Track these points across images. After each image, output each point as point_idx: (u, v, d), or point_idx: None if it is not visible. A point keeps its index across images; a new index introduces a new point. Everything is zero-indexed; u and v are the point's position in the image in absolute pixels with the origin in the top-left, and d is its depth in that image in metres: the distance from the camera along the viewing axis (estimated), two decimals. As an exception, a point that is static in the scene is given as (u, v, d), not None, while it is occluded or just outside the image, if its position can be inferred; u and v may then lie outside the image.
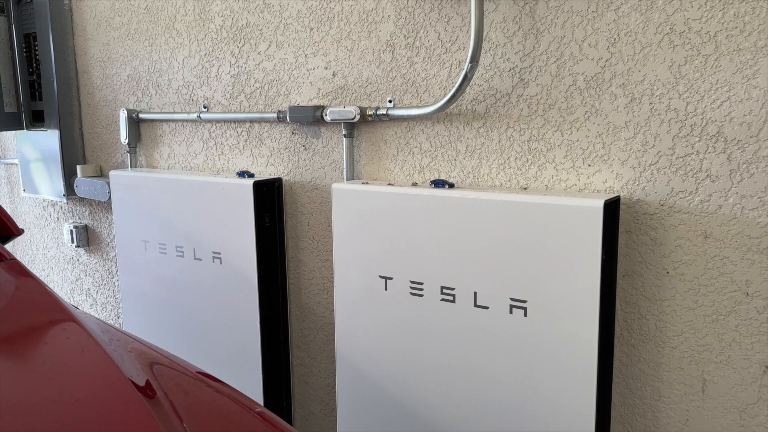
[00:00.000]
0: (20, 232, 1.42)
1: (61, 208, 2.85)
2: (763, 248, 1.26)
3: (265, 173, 2.04)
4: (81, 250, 2.79)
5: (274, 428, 0.85)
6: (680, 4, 1.28)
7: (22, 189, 2.84)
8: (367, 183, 1.70)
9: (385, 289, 1.64)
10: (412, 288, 1.59)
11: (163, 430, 0.73)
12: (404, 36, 1.66)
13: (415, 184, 1.65)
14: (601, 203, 1.28)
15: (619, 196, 1.38)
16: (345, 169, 1.82)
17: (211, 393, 0.91)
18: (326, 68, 1.83)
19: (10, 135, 3.03)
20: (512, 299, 1.43)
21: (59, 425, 0.74)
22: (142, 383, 0.83)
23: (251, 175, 1.96)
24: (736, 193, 1.27)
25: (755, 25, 1.21)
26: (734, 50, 1.24)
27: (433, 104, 1.59)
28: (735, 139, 1.26)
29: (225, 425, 0.83)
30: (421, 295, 1.58)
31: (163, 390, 0.82)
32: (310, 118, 1.83)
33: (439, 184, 1.57)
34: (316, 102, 1.87)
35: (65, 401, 0.79)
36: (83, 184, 2.52)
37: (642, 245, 1.39)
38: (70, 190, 2.60)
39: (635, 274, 1.41)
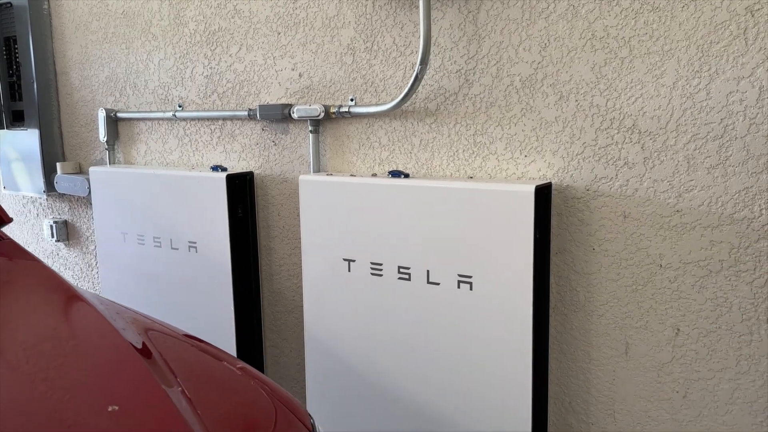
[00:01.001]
0: (10, 219, 1.54)
1: (41, 204, 2.96)
2: (673, 225, 1.45)
3: (237, 167, 2.19)
4: (61, 245, 2.91)
5: (254, 378, 1.01)
6: (600, 13, 1.47)
7: (2, 186, 2.94)
8: (331, 175, 1.86)
9: (349, 270, 1.81)
10: (372, 269, 1.76)
11: (160, 384, 0.87)
12: (363, 40, 1.83)
13: (374, 175, 1.82)
14: (532, 188, 1.46)
15: (550, 182, 1.56)
16: (311, 163, 1.97)
17: (198, 351, 1.06)
18: (293, 69, 1.99)
19: (-11, 135, 3.12)
20: (460, 275, 1.60)
21: (72, 383, 0.88)
22: (139, 345, 0.98)
23: (224, 169, 2.11)
24: (650, 177, 1.46)
25: (662, 32, 1.40)
26: (645, 53, 1.43)
27: (390, 102, 1.76)
28: (647, 130, 1.45)
29: (212, 378, 0.99)
30: (381, 275, 1.74)
31: (158, 350, 0.97)
32: (279, 115, 1.98)
33: (396, 174, 1.74)
34: (284, 101, 2.03)
35: (77, 365, 0.93)
36: (63, 180, 2.64)
37: (571, 225, 1.58)
38: (50, 186, 2.72)
39: (566, 251, 1.60)
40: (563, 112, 1.54)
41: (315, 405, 1.94)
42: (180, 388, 0.87)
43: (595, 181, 1.53)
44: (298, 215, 2.06)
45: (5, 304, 1.07)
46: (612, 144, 1.49)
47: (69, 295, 1.11)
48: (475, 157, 1.69)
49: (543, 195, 1.51)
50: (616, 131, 1.49)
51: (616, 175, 1.50)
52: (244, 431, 0.88)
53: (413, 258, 1.67)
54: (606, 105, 1.49)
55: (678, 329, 1.49)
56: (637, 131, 1.46)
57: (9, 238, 1.37)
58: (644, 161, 1.46)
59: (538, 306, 1.52)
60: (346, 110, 1.86)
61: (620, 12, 1.44)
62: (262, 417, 0.94)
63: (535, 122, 1.58)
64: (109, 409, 0.78)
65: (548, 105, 1.56)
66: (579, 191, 1.55)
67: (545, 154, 1.58)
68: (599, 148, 1.51)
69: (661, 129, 1.43)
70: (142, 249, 2.28)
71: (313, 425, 0.96)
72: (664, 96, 1.42)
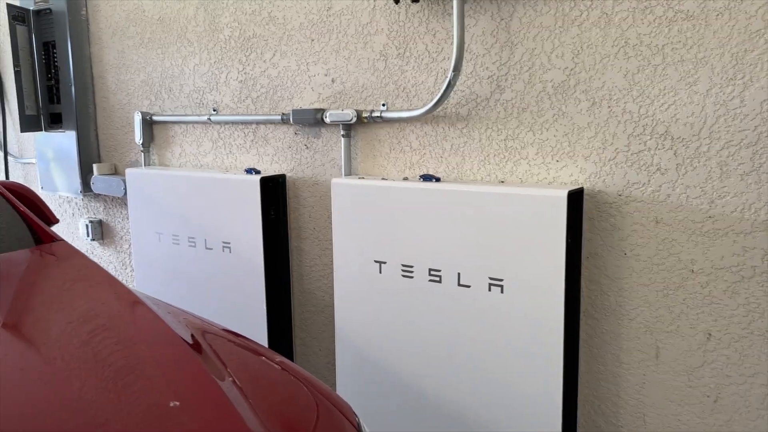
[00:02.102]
0: (57, 220, 1.60)
1: (77, 204, 3.04)
2: (705, 231, 1.46)
3: (270, 170, 2.24)
4: (96, 243, 2.99)
5: (294, 372, 1.05)
6: (633, 21, 1.48)
7: (40, 186, 3.02)
8: (363, 178, 1.90)
9: (380, 272, 1.84)
10: (403, 271, 1.79)
11: (214, 378, 0.92)
12: (396, 47, 1.86)
13: (405, 179, 1.85)
14: (565, 193, 1.48)
15: (582, 187, 1.58)
16: (343, 166, 2.01)
17: (240, 347, 1.11)
18: (326, 75, 2.03)
19: (28, 136, 3.22)
20: (491, 278, 1.63)
21: (133, 379, 0.92)
22: (191, 341, 1.02)
23: (258, 172, 2.16)
24: (682, 183, 1.48)
25: (695, 40, 1.42)
26: (678, 61, 1.44)
27: (422, 108, 1.79)
28: (680, 137, 1.46)
29: (257, 371, 1.03)
30: (412, 277, 1.77)
31: (208, 345, 1.02)
32: (312, 120, 2.02)
33: (427, 178, 1.77)
34: (316, 105, 2.07)
35: (136, 361, 0.97)
36: (99, 181, 2.71)
37: (603, 230, 1.60)
38: (86, 187, 2.80)
39: (597, 255, 1.62)
40: (596, 117, 1.56)
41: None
42: (231, 379, 0.91)
43: (628, 186, 1.54)
44: (329, 217, 2.10)
45: (64, 303, 1.12)
46: (644, 150, 1.51)
47: (123, 295, 1.16)
48: (506, 161, 1.72)
49: (575, 200, 1.53)
50: (648, 137, 1.50)
51: (649, 180, 1.52)
52: (291, 422, 0.92)
53: (444, 261, 1.70)
54: (639, 111, 1.51)
55: (709, 334, 1.50)
56: (670, 138, 1.48)
57: (62, 240, 1.43)
58: (677, 167, 1.48)
59: (569, 310, 1.54)
60: (378, 115, 1.90)
61: (653, 20, 1.46)
62: (305, 408, 0.98)
63: (567, 128, 1.61)
64: (171, 404, 0.82)
65: (580, 111, 1.58)
66: (611, 196, 1.57)
67: (577, 160, 1.60)
68: (632, 154, 1.53)
69: (694, 136, 1.45)
70: (176, 249, 2.34)
71: (357, 420, 1.00)
72: (697, 103, 1.43)
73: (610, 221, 1.58)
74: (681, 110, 1.45)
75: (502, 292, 1.61)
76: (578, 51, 1.56)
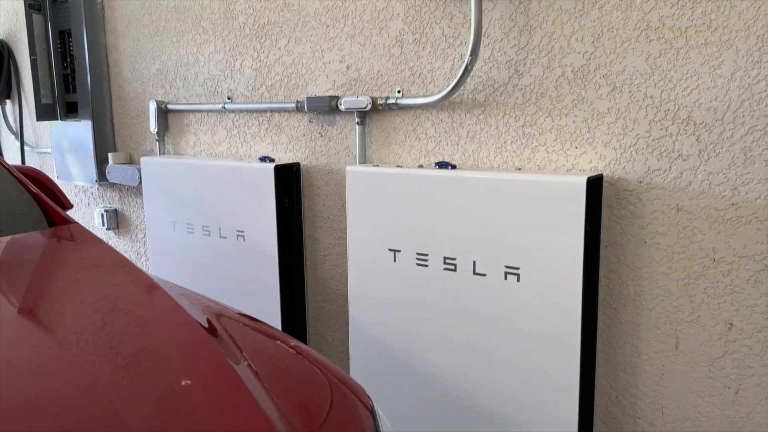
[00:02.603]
0: (71, 205, 1.60)
1: (92, 193, 3.05)
2: (728, 219, 1.43)
3: (284, 159, 2.22)
4: (111, 233, 3.00)
5: (308, 356, 1.04)
6: (655, 3, 1.45)
7: (56, 176, 3.04)
8: (377, 166, 1.88)
9: (394, 261, 1.82)
10: (418, 259, 1.77)
11: (228, 360, 0.91)
12: (412, 32, 1.84)
13: (421, 166, 1.83)
14: (584, 180, 1.46)
15: (602, 174, 1.55)
16: (357, 154, 2.00)
17: (254, 330, 1.10)
18: (341, 62, 2.01)
19: (43, 125, 3.23)
20: (507, 267, 1.60)
21: (146, 359, 0.92)
22: (205, 324, 1.01)
23: (272, 160, 2.14)
24: (704, 170, 1.44)
25: (720, 22, 1.38)
26: (702, 44, 1.41)
27: (438, 94, 1.77)
28: (703, 122, 1.43)
29: (272, 354, 1.02)
30: (427, 265, 1.75)
31: (223, 328, 1.01)
32: (326, 107, 2.01)
33: (442, 165, 1.75)
34: (331, 93, 2.06)
35: (149, 342, 0.97)
36: (114, 170, 2.72)
37: (623, 218, 1.57)
38: (101, 176, 2.80)
39: (617, 244, 1.59)
40: (616, 103, 1.53)
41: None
42: (246, 363, 0.90)
43: (648, 173, 1.51)
44: (343, 206, 2.09)
45: (77, 285, 1.12)
46: (666, 136, 1.48)
47: (136, 276, 1.15)
48: (523, 148, 1.69)
49: (594, 187, 1.51)
50: (670, 123, 1.47)
51: (670, 167, 1.48)
52: (305, 404, 0.90)
53: (459, 249, 1.68)
54: (660, 96, 1.47)
55: (731, 324, 1.47)
56: (693, 123, 1.44)
57: (76, 222, 1.43)
58: (699, 153, 1.44)
59: (586, 299, 1.52)
60: (393, 102, 1.88)
61: (677, 2, 1.42)
62: (320, 391, 0.97)
63: (587, 113, 1.58)
64: (182, 383, 0.81)
65: (601, 96, 1.55)
66: (631, 183, 1.54)
67: (597, 146, 1.57)
68: (653, 140, 1.50)
69: (717, 121, 1.41)
70: (191, 237, 2.34)
71: (371, 404, 0.99)
72: (721, 87, 1.40)
73: (630, 209, 1.55)
74: (704, 95, 1.42)
75: (518, 280, 1.59)
76: (599, 34, 1.53)
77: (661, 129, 1.48)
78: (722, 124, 1.41)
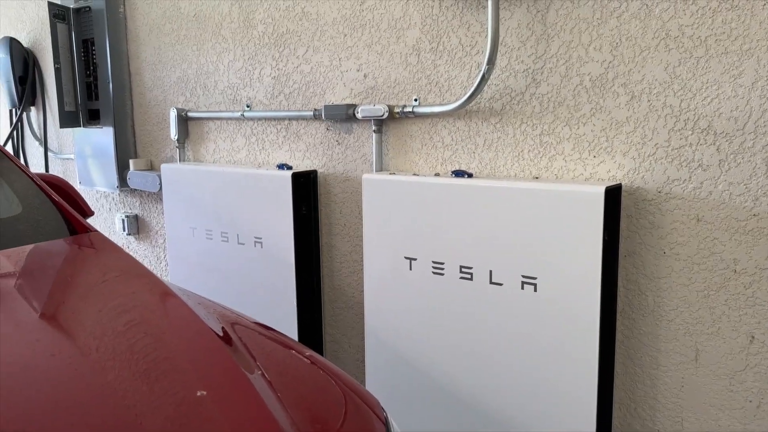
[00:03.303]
0: (92, 213, 1.63)
1: (114, 199, 3.10)
2: (749, 230, 1.41)
3: (302, 166, 2.24)
4: (131, 238, 3.04)
5: (323, 366, 1.04)
6: (674, 12, 1.44)
7: (78, 182, 3.09)
8: (394, 174, 1.89)
9: (410, 269, 1.82)
10: (434, 267, 1.77)
11: (242, 369, 0.92)
12: (429, 41, 1.84)
13: (437, 174, 1.83)
14: (602, 190, 1.44)
15: (620, 184, 1.54)
16: (374, 162, 2.00)
17: (270, 339, 1.10)
18: (358, 70, 2.02)
19: (66, 132, 3.29)
20: (524, 276, 1.60)
21: (162, 368, 0.93)
22: (221, 333, 1.02)
23: (290, 168, 2.16)
24: (725, 180, 1.42)
25: (740, 31, 1.36)
26: (722, 53, 1.39)
27: (455, 102, 1.77)
28: (723, 132, 1.41)
29: (286, 364, 1.02)
30: (443, 274, 1.75)
31: (238, 337, 1.02)
32: (343, 115, 2.02)
33: (459, 174, 1.75)
34: (348, 101, 2.06)
35: (165, 351, 0.98)
36: (135, 176, 2.76)
37: (642, 228, 1.55)
38: (122, 182, 2.84)
39: (636, 254, 1.57)
40: (635, 112, 1.52)
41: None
42: (260, 372, 0.91)
43: (668, 183, 1.50)
44: (360, 213, 2.09)
45: (97, 293, 1.14)
46: (686, 145, 1.46)
47: (154, 285, 1.17)
48: (541, 157, 1.68)
49: (613, 196, 1.49)
50: (690, 132, 1.45)
51: (690, 177, 1.47)
52: (319, 415, 0.91)
53: (476, 258, 1.68)
54: (680, 105, 1.46)
55: (753, 336, 1.44)
56: (713, 132, 1.42)
57: (96, 231, 1.45)
58: (719, 163, 1.42)
59: (605, 309, 1.50)
60: (410, 110, 1.88)
61: (696, 11, 1.41)
62: (334, 402, 0.97)
63: (605, 122, 1.56)
64: (198, 394, 0.82)
65: (619, 105, 1.54)
66: (650, 193, 1.52)
67: (615, 155, 1.56)
68: (672, 150, 1.48)
69: (738, 130, 1.39)
70: (210, 243, 2.36)
71: (385, 416, 0.99)
72: (741, 96, 1.38)
73: (649, 219, 1.53)
74: (725, 104, 1.40)
75: (535, 290, 1.58)
76: (617, 43, 1.52)
77: (680, 138, 1.47)
78: (743, 134, 1.39)
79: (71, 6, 2.85)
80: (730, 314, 1.46)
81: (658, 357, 1.57)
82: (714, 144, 1.43)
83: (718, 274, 1.46)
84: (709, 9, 1.39)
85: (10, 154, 1.60)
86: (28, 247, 1.31)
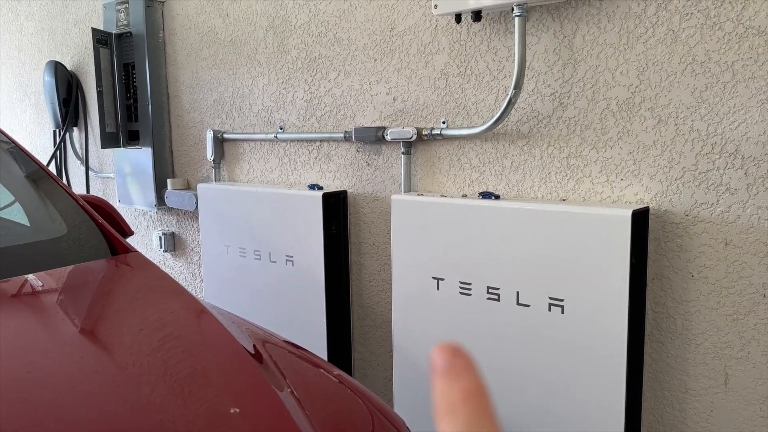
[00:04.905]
0: (131, 232, 1.70)
1: (152, 217, 3.20)
2: (779, 254, 1.40)
3: (332, 186, 2.29)
4: (168, 255, 3.13)
5: (350, 386, 1.08)
6: (701, 38, 1.45)
7: (118, 200, 3.20)
8: (422, 195, 1.92)
9: (438, 289, 1.85)
10: (461, 288, 1.79)
11: (273, 387, 0.96)
12: (457, 65, 1.88)
13: (465, 196, 1.86)
14: (629, 213, 1.45)
15: (648, 207, 1.55)
16: (403, 183, 2.04)
17: (299, 358, 1.14)
18: (387, 94, 2.07)
19: (106, 152, 3.41)
20: (551, 298, 1.61)
21: (196, 385, 0.98)
22: (252, 351, 1.07)
23: (320, 188, 2.21)
24: (753, 204, 1.42)
25: (767, 56, 1.37)
26: (749, 78, 1.40)
27: (482, 125, 1.80)
28: (751, 156, 1.41)
29: (314, 382, 1.06)
30: (470, 294, 1.77)
31: (268, 355, 1.06)
32: (373, 137, 2.07)
33: (486, 195, 1.77)
34: (378, 123, 2.11)
35: (200, 368, 1.03)
36: (172, 195, 2.85)
37: (669, 251, 1.55)
38: (160, 201, 2.94)
39: (663, 277, 1.57)
40: (662, 136, 1.53)
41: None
42: (290, 390, 0.95)
43: (695, 206, 1.50)
44: (388, 233, 2.13)
45: (136, 311, 1.19)
46: (713, 169, 1.46)
47: (191, 304, 1.22)
48: (568, 179, 1.70)
49: (640, 219, 1.50)
50: (717, 156, 1.46)
51: (717, 201, 1.47)
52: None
53: (503, 279, 1.69)
54: (707, 130, 1.46)
55: (784, 362, 1.43)
56: (740, 157, 1.43)
57: (136, 251, 1.52)
58: (747, 187, 1.42)
59: (632, 332, 1.51)
60: (438, 132, 1.92)
61: (723, 36, 1.42)
62: (360, 422, 1.00)
63: (632, 146, 1.58)
64: (231, 411, 0.86)
65: (646, 129, 1.55)
66: (678, 216, 1.53)
67: (642, 178, 1.57)
68: (699, 173, 1.48)
69: (766, 155, 1.39)
70: (243, 261, 2.43)
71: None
72: (770, 121, 1.38)
73: (677, 242, 1.54)
74: (752, 128, 1.40)
75: (562, 312, 1.59)
76: (643, 68, 1.54)
77: (708, 162, 1.47)
78: (772, 158, 1.39)
79: (113, 31, 2.98)
80: (759, 339, 1.45)
81: (686, 381, 1.56)
82: (742, 168, 1.43)
83: (747, 298, 1.45)
84: (736, 35, 1.40)
85: (56, 177, 1.68)
86: (73, 268, 1.38)
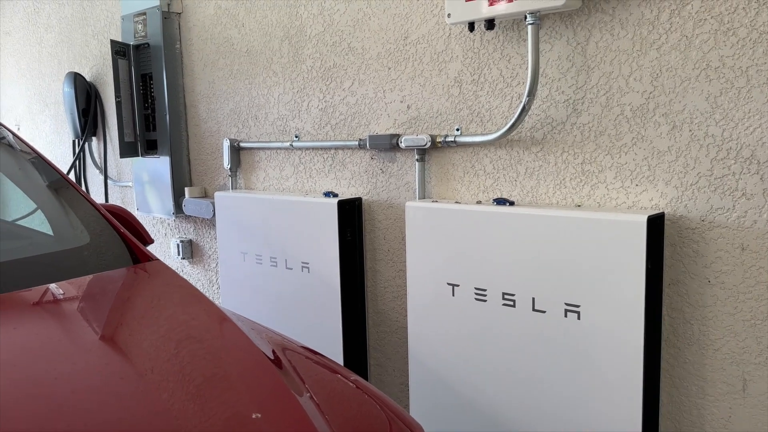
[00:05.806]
0: (151, 241, 1.74)
1: (169, 224, 3.24)
2: (796, 259, 1.40)
3: (347, 193, 2.31)
4: (185, 262, 3.17)
5: (368, 391, 1.09)
6: (715, 43, 1.45)
7: (136, 208, 3.25)
8: (436, 201, 1.94)
9: (453, 295, 1.86)
10: (476, 294, 1.80)
11: (293, 392, 0.97)
12: (470, 73, 1.90)
13: (479, 202, 1.87)
14: (645, 218, 1.46)
15: (663, 212, 1.55)
16: (417, 190, 2.06)
17: (317, 364, 1.16)
18: (401, 102, 2.09)
19: (125, 161, 3.47)
20: (567, 304, 1.61)
21: (217, 390, 1.00)
22: (272, 357, 1.09)
23: (335, 195, 2.24)
24: (770, 209, 1.42)
25: (783, 61, 1.37)
26: (764, 83, 1.40)
27: (496, 132, 1.81)
28: (767, 161, 1.41)
29: (333, 388, 1.08)
30: (485, 300, 1.78)
31: (288, 360, 1.08)
32: (387, 145, 2.09)
33: (501, 202, 1.78)
34: (392, 131, 2.13)
35: (221, 374, 1.05)
36: (190, 203, 2.89)
37: (685, 257, 1.55)
38: (178, 209, 2.98)
39: (680, 283, 1.57)
40: (676, 141, 1.53)
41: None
42: (309, 395, 0.96)
43: (711, 211, 1.50)
44: (403, 239, 2.15)
45: (157, 318, 1.22)
46: (729, 174, 1.47)
47: (211, 311, 1.25)
48: (583, 185, 1.71)
49: (656, 225, 1.50)
50: (732, 161, 1.46)
51: (733, 206, 1.47)
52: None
53: (518, 285, 1.70)
54: (722, 135, 1.46)
55: (803, 368, 1.42)
56: (756, 162, 1.43)
57: (157, 259, 1.55)
58: (763, 192, 1.42)
59: (649, 338, 1.51)
60: (452, 140, 1.93)
61: (737, 42, 1.42)
62: (378, 427, 1.02)
63: (647, 151, 1.58)
64: (253, 416, 0.88)
65: (660, 134, 1.55)
66: (694, 222, 1.53)
67: (657, 184, 1.57)
68: (715, 179, 1.49)
69: (782, 159, 1.39)
70: (259, 267, 2.46)
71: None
72: (785, 125, 1.38)
73: (693, 247, 1.54)
74: (767, 133, 1.40)
75: (578, 318, 1.59)
76: (657, 74, 1.54)
77: (723, 168, 1.47)
78: (788, 163, 1.39)
79: (131, 43, 3.03)
80: (778, 344, 1.44)
81: (704, 386, 1.56)
82: (758, 173, 1.43)
83: (764, 303, 1.45)
84: (750, 40, 1.41)
85: (79, 187, 1.72)
86: (96, 276, 1.41)
